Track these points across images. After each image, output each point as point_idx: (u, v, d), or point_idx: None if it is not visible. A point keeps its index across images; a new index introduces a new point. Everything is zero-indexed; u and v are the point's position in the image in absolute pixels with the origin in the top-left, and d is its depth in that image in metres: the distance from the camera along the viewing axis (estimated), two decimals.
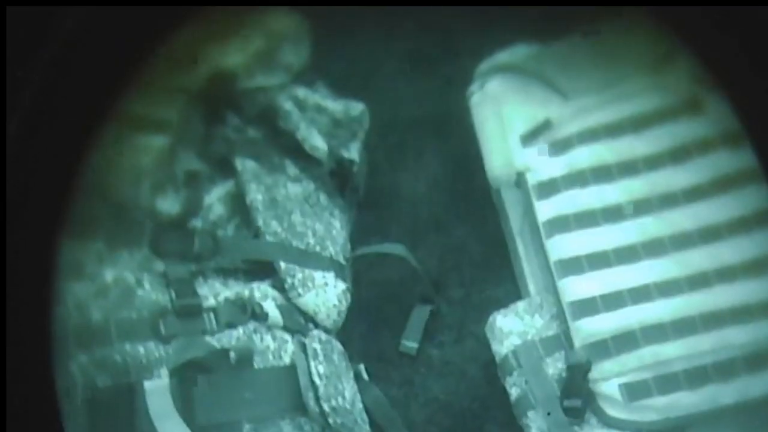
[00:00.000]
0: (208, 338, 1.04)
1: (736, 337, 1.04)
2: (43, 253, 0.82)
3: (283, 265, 1.09)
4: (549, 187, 1.14)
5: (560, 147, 1.16)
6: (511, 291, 1.18)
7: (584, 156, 1.15)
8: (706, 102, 1.14)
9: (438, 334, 1.19)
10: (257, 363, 1.03)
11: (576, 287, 1.08)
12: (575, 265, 1.09)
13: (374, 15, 1.27)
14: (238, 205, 1.13)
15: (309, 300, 1.09)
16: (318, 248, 1.13)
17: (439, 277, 1.22)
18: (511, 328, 1.10)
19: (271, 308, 1.06)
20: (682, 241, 1.09)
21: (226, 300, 1.06)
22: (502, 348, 1.09)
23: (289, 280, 1.09)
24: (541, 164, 1.16)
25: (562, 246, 1.11)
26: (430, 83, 1.28)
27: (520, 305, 1.12)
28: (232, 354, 1.02)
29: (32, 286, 0.82)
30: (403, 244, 1.20)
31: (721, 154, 1.12)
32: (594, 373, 1.04)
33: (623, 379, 1.04)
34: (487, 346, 1.11)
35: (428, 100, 1.27)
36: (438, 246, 1.24)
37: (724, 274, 1.06)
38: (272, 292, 1.09)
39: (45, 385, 0.83)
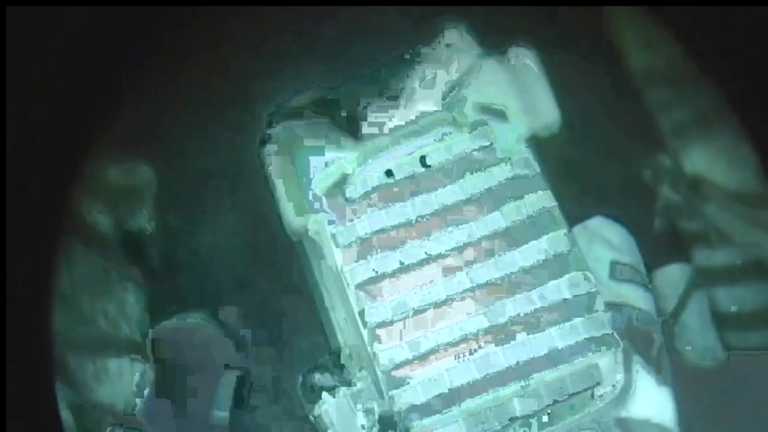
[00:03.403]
0: None
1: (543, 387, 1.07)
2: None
3: (72, 359, 1.05)
4: (348, 237, 1.12)
5: (358, 196, 1.14)
6: (320, 343, 1.17)
7: (381, 204, 1.13)
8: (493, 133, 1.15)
9: (250, 397, 1.17)
10: None
11: (385, 340, 1.07)
12: (382, 316, 1.08)
13: (157, 65, 1.21)
14: None
15: (104, 392, 1.05)
16: (111, 330, 1.08)
17: (246, 338, 1.20)
18: (323, 383, 1.09)
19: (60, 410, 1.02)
20: (489, 291, 1.09)
21: None
22: (314, 405, 1.09)
23: (79, 376, 1.04)
24: (338, 213, 1.14)
25: (366, 294, 1.10)
26: (221, 133, 1.24)
27: (331, 359, 1.11)
28: None
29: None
30: (206, 306, 1.17)
31: (518, 187, 1.13)
32: (407, 423, 1.05)
33: None
34: (300, 404, 1.10)
35: (220, 151, 1.23)
36: (242, 304, 1.21)
37: (530, 325, 1.08)
38: (62, 390, 1.04)
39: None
